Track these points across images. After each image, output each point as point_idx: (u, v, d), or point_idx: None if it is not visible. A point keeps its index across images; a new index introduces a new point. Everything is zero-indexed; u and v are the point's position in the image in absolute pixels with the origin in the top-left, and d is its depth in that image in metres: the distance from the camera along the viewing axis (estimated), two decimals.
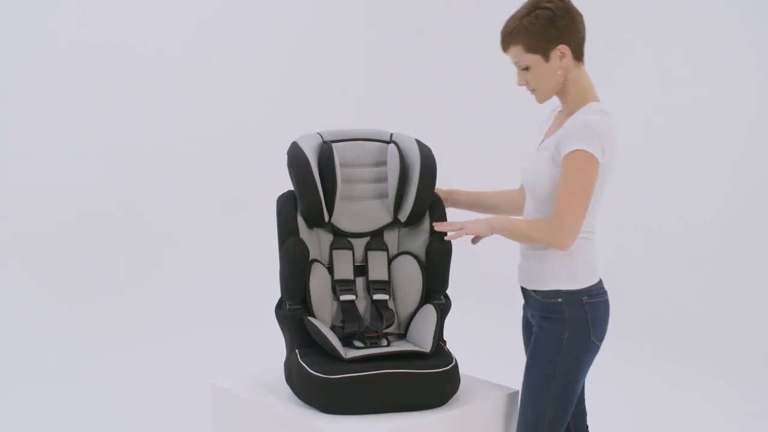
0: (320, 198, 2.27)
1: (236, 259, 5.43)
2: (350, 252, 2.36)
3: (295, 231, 2.25)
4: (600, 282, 2.11)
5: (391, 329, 2.34)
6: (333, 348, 2.11)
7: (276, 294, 2.30)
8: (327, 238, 2.37)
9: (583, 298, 2.05)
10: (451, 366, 2.13)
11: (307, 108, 5.82)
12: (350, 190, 2.37)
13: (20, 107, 4.97)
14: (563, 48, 2.00)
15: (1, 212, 4.89)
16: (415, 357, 2.14)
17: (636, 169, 4.96)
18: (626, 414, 3.65)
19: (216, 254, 5.46)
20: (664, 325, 4.96)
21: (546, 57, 2.01)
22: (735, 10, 5.06)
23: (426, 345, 2.18)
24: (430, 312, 2.26)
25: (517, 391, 2.28)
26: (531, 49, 2.00)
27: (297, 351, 2.17)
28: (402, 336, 2.35)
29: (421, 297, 2.33)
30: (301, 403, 2.13)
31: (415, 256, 2.34)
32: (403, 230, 2.41)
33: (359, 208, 2.38)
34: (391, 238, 2.41)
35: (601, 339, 2.10)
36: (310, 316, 2.21)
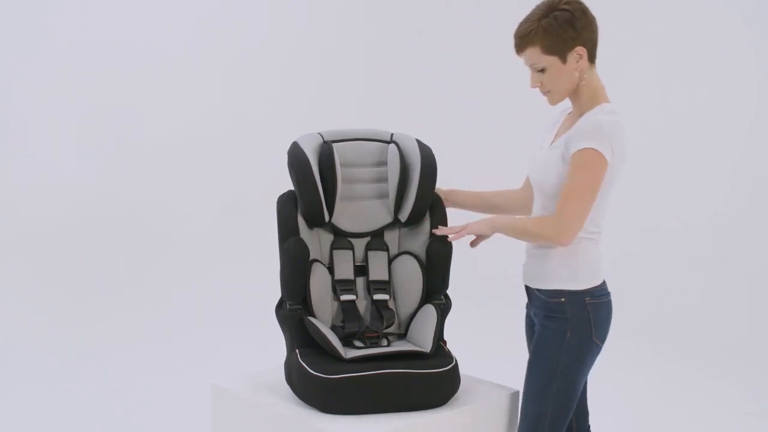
0: (320, 198, 2.27)
1: (236, 259, 5.43)
2: (350, 252, 2.36)
3: (296, 231, 2.25)
4: (603, 283, 2.12)
5: (391, 329, 2.34)
6: (333, 348, 2.11)
7: (276, 294, 2.31)
8: (327, 238, 2.37)
9: (586, 299, 2.06)
10: (451, 366, 2.13)
11: (307, 108, 5.82)
12: (350, 190, 2.37)
13: (20, 107, 4.97)
14: (580, 50, 2.01)
15: (1, 212, 4.89)
16: (415, 357, 2.14)
17: (635, 169, 4.96)
18: (626, 414, 3.65)
19: (216, 254, 5.46)
20: (663, 324, 4.96)
21: (563, 59, 2.01)
22: (735, 10, 5.07)
23: (426, 345, 2.18)
24: (430, 312, 2.27)
25: (518, 392, 2.29)
26: (549, 50, 2.00)
27: (297, 351, 2.17)
28: (402, 336, 2.35)
29: (422, 297, 2.33)
30: (301, 403, 2.13)
31: (416, 256, 2.34)
32: (404, 230, 2.41)
33: (359, 208, 2.38)
34: (391, 238, 2.41)
35: (603, 340, 2.11)
36: (311, 316, 2.21)
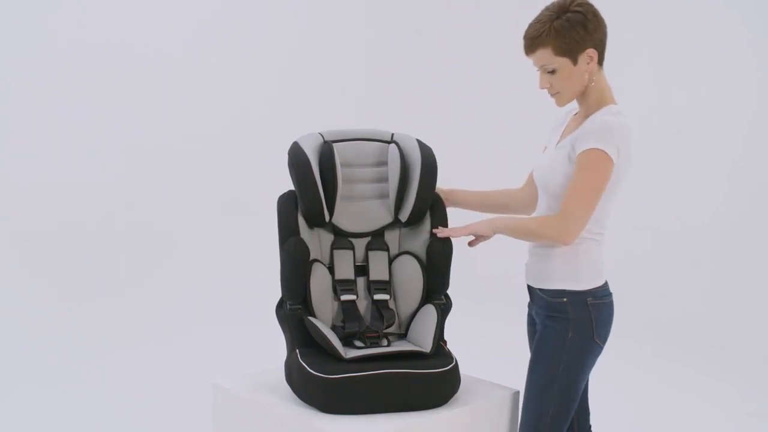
0: (321, 198, 2.27)
1: (236, 259, 5.44)
2: (351, 252, 2.36)
3: (296, 231, 2.25)
4: (605, 284, 2.12)
5: (391, 329, 2.34)
6: (333, 348, 2.11)
7: (276, 294, 2.31)
8: (328, 237, 2.37)
9: (588, 299, 2.07)
10: (451, 366, 2.13)
11: (307, 108, 5.82)
12: (351, 190, 2.38)
13: (20, 107, 4.97)
14: (591, 52, 2.01)
15: (1, 212, 4.89)
16: (415, 357, 2.14)
17: (636, 170, 4.96)
18: (626, 414, 3.65)
19: (216, 254, 5.46)
20: (663, 325, 4.96)
21: (574, 60, 2.01)
22: (734, 10, 5.07)
23: (426, 345, 2.18)
24: (430, 312, 2.27)
25: (518, 392, 2.29)
26: (560, 52, 2.00)
27: (297, 351, 2.17)
28: (402, 336, 2.35)
29: (422, 297, 2.33)
30: (302, 403, 2.13)
31: (416, 256, 2.34)
32: (404, 230, 2.41)
33: (360, 208, 2.39)
34: (391, 238, 2.41)
35: (604, 340, 2.11)
36: (311, 315, 2.22)
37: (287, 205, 2.29)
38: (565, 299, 2.07)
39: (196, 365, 4.13)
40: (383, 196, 2.40)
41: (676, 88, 5.29)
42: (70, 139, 5.13)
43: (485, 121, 6.03)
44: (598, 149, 1.96)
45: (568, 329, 2.06)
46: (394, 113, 5.62)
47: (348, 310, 2.30)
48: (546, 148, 2.24)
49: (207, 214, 5.55)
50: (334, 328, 2.27)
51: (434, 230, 2.31)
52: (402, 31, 6.28)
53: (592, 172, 1.97)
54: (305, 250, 2.20)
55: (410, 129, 2.59)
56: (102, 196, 5.19)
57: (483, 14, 6.06)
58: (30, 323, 4.54)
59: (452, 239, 2.31)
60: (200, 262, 5.38)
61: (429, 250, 2.31)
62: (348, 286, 2.33)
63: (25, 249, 4.91)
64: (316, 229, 2.35)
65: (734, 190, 5.12)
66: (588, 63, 2.02)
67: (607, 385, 3.43)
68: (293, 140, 2.36)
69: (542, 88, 2.09)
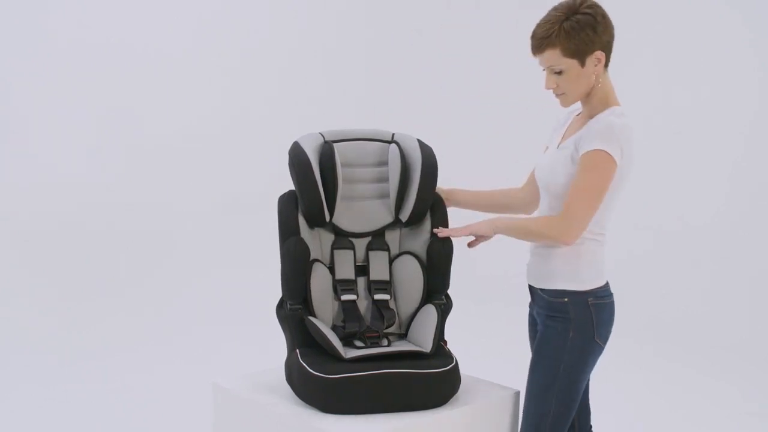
0: (321, 197, 2.27)
1: (236, 259, 5.43)
2: (351, 252, 2.36)
3: (296, 231, 2.25)
4: (606, 284, 2.12)
5: (392, 329, 2.34)
6: (333, 348, 2.11)
7: (277, 294, 2.31)
8: (328, 237, 2.37)
9: (589, 299, 2.07)
10: (451, 366, 2.13)
11: (307, 108, 5.82)
12: (351, 190, 2.37)
13: (20, 107, 4.97)
14: (599, 54, 2.01)
15: (1, 212, 4.89)
16: (415, 357, 2.14)
17: (638, 170, 4.97)
18: (626, 414, 3.65)
19: (216, 254, 5.46)
20: (664, 325, 4.96)
21: (582, 62, 2.01)
22: (735, 10, 5.07)
23: (426, 345, 2.18)
24: (430, 312, 2.27)
25: (518, 392, 2.29)
26: (569, 53, 1.99)
27: (298, 351, 2.17)
28: (403, 336, 2.35)
29: (422, 297, 2.33)
30: (302, 402, 2.13)
31: (417, 256, 2.34)
32: (405, 230, 2.41)
33: (360, 208, 2.38)
34: (392, 238, 2.41)
35: (605, 340, 2.11)
36: (311, 315, 2.21)
37: (288, 205, 2.28)
38: (566, 299, 2.07)
39: (196, 365, 4.13)
40: (384, 196, 2.40)
41: (678, 88, 5.29)
42: (70, 139, 5.13)
43: (485, 121, 6.03)
44: (602, 150, 1.96)
45: (569, 329, 2.06)
46: (394, 113, 5.62)
47: (348, 310, 2.29)
48: (547, 148, 2.24)
49: (207, 214, 5.55)
50: (334, 328, 2.27)
51: (434, 230, 2.31)
52: (402, 31, 6.28)
53: (595, 173, 1.97)
54: (305, 249, 2.20)
55: (410, 129, 2.59)
56: (102, 196, 5.19)
57: (483, 14, 6.06)
58: (30, 323, 4.54)
59: (452, 239, 2.31)
60: (200, 262, 5.38)
61: (429, 250, 2.31)
62: (348, 286, 2.32)
63: (25, 249, 4.91)
64: (316, 229, 2.35)
65: (735, 190, 5.12)
66: (595, 65, 2.02)
67: (608, 385, 3.43)
68: (293, 140, 2.36)
69: (548, 88, 2.09)
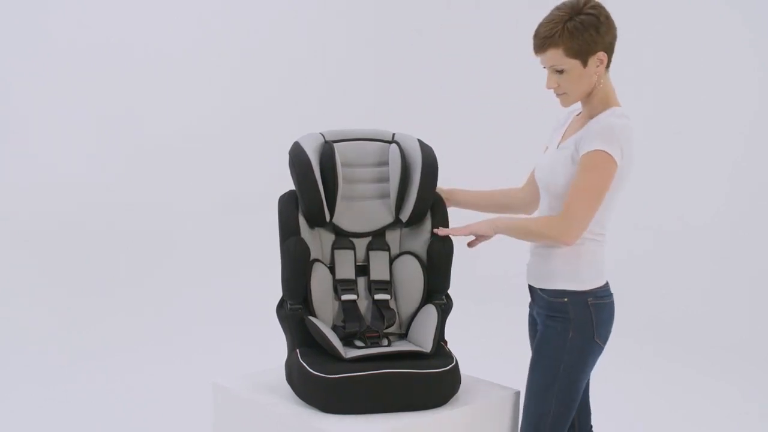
0: (321, 197, 2.27)
1: (237, 259, 5.43)
2: (352, 252, 2.36)
3: (297, 231, 2.25)
4: (606, 284, 2.13)
5: (392, 329, 2.34)
6: (333, 348, 2.11)
7: (277, 294, 2.31)
8: (329, 237, 2.37)
9: (589, 299, 2.07)
10: (451, 366, 2.13)
11: (307, 108, 5.82)
12: (352, 190, 2.37)
13: (20, 107, 4.97)
14: (602, 55, 2.01)
15: (1, 212, 4.89)
16: (415, 357, 2.14)
17: (638, 170, 4.97)
18: (626, 414, 3.65)
19: (216, 254, 5.46)
20: (664, 325, 4.96)
21: (585, 62, 2.00)
22: (735, 10, 5.07)
23: (426, 345, 2.18)
24: (431, 312, 2.27)
25: (518, 392, 2.29)
26: (572, 53, 1.99)
27: (298, 351, 2.17)
28: (403, 336, 2.35)
29: (423, 297, 2.33)
30: (302, 402, 2.13)
31: (417, 256, 2.34)
32: (405, 230, 2.41)
33: (361, 208, 2.38)
34: (392, 237, 2.41)
35: (605, 340, 2.11)
36: (311, 315, 2.21)
37: (288, 205, 2.28)
38: (565, 299, 2.07)
39: (196, 365, 4.13)
40: (384, 196, 2.40)
41: (678, 88, 5.29)
42: (70, 139, 5.13)
43: (485, 121, 6.03)
44: (602, 151, 1.96)
45: (569, 329, 2.06)
46: (394, 113, 5.62)
47: (348, 309, 2.29)
48: (547, 148, 2.24)
49: (207, 214, 5.55)
50: (334, 327, 2.27)
51: (434, 230, 2.31)
52: (402, 31, 6.27)
53: (595, 174, 1.97)
54: (306, 249, 2.20)
55: (410, 129, 2.59)
56: (102, 196, 5.19)
57: (483, 14, 6.06)
58: (30, 323, 4.54)
59: (452, 239, 2.31)
60: (200, 262, 5.38)
61: (430, 250, 2.31)
62: (349, 285, 2.32)
63: (25, 249, 4.91)
64: (317, 228, 2.35)
65: (735, 190, 5.12)
66: (597, 66, 2.01)
67: (609, 385, 3.43)
68: (294, 140, 2.36)
69: (549, 88, 2.08)
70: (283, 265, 2.22)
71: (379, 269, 2.36)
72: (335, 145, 2.34)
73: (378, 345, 2.23)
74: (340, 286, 2.32)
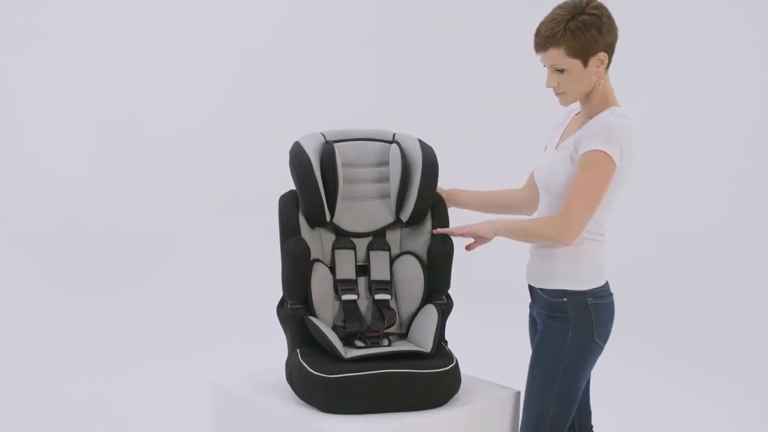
0: (321, 197, 2.27)
1: (237, 259, 5.43)
2: (352, 252, 2.36)
3: (297, 230, 2.25)
4: (606, 284, 2.13)
5: (392, 329, 2.34)
6: (333, 348, 2.11)
7: (277, 294, 2.31)
8: (329, 237, 2.37)
9: (589, 299, 2.07)
10: (451, 366, 2.13)
11: (307, 108, 5.82)
12: (352, 190, 2.37)
13: (20, 107, 4.96)
14: (603, 55, 2.01)
15: (1, 212, 4.89)
16: (415, 357, 2.14)
17: (638, 170, 4.97)
18: (626, 414, 3.65)
19: (216, 254, 5.46)
20: (664, 325, 4.96)
21: (585, 63, 2.00)
22: (735, 10, 5.07)
23: (427, 345, 2.18)
24: (431, 312, 2.27)
25: (518, 392, 2.29)
26: (573, 53, 1.99)
27: (298, 350, 2.17)
28: (403, 336, 2.35)
29: (423, 297, 2.33)
30: (302, 402, 2.13)
31: (417, 256, 2.34)
32: (405, 230, 2.41)
33: (361, 208, 2.38)
34: (393, 238, 2.41)
35: (604, 340, 2.11)
36: (312, 315, 2.21)
37: (288, 205, 2.29)
38: (565, 299, 2.07)
39: (196, 365, 4.13)
40: (384, 196, 2.40)
41: (678, 88, 5.29)
42: (70, 139, 5.12)
43: (485, 121, 6.03)
44: (602, 151, 1.96)
45: (569, 329, 2.06)
46: (394, 113, 5.61)
47: (349, 309, 2.30)
48: (546, 147, 2.24)
49: (207, 214, 5.55)
50: (334, 327, 2.27)
51: (434, 231, 2.31)
52: (402, 31, 6.27)
53: (594, 173, 1.97)
54: (306, 249, 2.20)
55: (410, 129, 2.59)
56: (102, 196, 5.19)
57: (483, 14, 6.06)
58: (30, 323, 4.54)
59: (453, 240, 2.31)
60: (200, 262, 5.38)
61: (430, 250, 2.31)
62: (349, 285, 2.33)
63: (25, 249, 4.91)
64: (317, 228, 2.35)
65: (735, 190, 5.12)
66: (598, 66, 2.02)
67: (609, 384, 3.43)
68: (294, 140, 2.36)
69: (549, 86, 2.08)
70: (284, 265, 2.22)
71: (379, 269, 2.36)
72: (336, 145, 2.34)
73: (378, 345, 2.23)
74: (341, 286, 2.32)
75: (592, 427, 2.32)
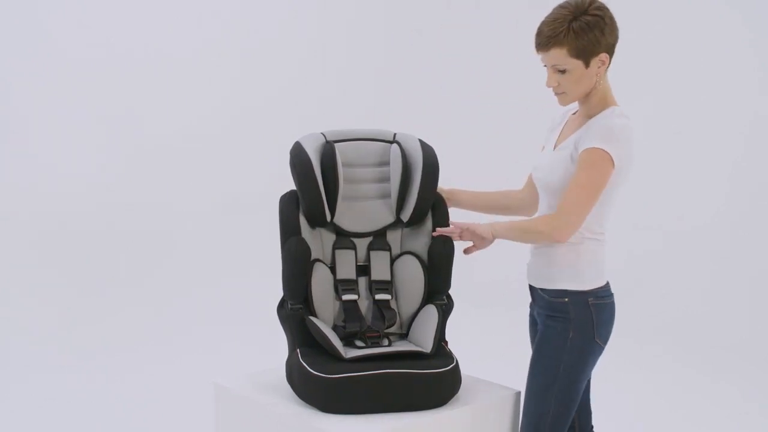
0: (322, 197, 2.27)
1: (237, 259, 5.43)
2: (353, 252, 2.36)
3: (297, 231, 2.25)
4: (607, 284, 2.13)
5: (392, 329, 2.34)
6: (333, 348, 2.11)
7: (277, 294, 2.31)
8: (330, 237, 2.37)
9: (589, 299, 2.07)
10: (451, 366, 2.13)
11: (307, 108, 5.82)
12: (353, 190, 2.37)
13: (20, 107, 4.96)
14: (604, 56, 2.01)
15: (1, 212, 4.89)
16: (415, 357, 2.14)
17: (638, 170, 4.97)
18: (626, 414, 3.65)
19: (216, 254, 5.46)
20: (664, 325, 4.96)
21: (587, 63, 2.00)
22: (735, 10, 5.07)
23: (427, 345, 2.18)
24: (431, 312, 2.27)
25: (519, 392, 2.29)
26: (575, 54, 1.99)
27: (298, 350, 2.17)
28: (404, 336, 2.35)
29: (423, 297, 2.33)
30: (302, 402, 2.13)
31: (418, 256, 2.34)
32: (406, 230, 2.41)
33: (362, 208, 2.39)
34: (393, 238, 2.41)
35: (605, 341, 2.11)
36: (312, 315, 2.21)
37: (289, 205, 2.29)
38: (566, 299, 2.07)
39: (196, 365, 4.13)
40: (385, 196, 2.40)
41: (678, 88, 5.29)
42: (70, 139, 5.12)
43: (485, 121, 6.03)
44: (601, 149, 1.97)
45: (569, 329, 2.06)
46: (394, 113, 5.61)
47: (349, 309, 2.30)
48: (543, 147, 2.24)
49: (207, 214, 5.55)
50: (335, 327, 2.27)
51: (434, 233, 2.30)
52: (402, 31, 6.27)
53: (592, 171, 1.97)
54: (306, 249, 2.20)
55: (410, 129, 2.59)
56: (102, 196, 5.19)
57: (483, 14, 6.05)
58: (30, 323, 4.54)
59: (453, 241, 2.30)
60: (200, 262, 5.38)
61: (430, 250, 2.31)
62: (349, 285, 2.33)
63: (24, 249, 4.91)
64: (317, 228, 2.35)
65: (735, 190, 5.12)
66: (599, 67, 2.02)
67: (608, 385, 3.43)
68: (294, 140, 2.36)
69: (549, 86, 2.08)
70: (284, 265, 2.22)
71: (379, 269, 2.36)
72: (336, 145, 2.34)
73: (378, 345, 2.23)
74: (341, 286, 2.32)
75: (592, 427, 2.32)
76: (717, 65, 5.14)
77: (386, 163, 2.41)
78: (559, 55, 2.00)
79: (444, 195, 2.41)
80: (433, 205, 2.35)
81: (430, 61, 6.22)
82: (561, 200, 2.01)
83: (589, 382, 2.26)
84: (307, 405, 2.11)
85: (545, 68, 2.07)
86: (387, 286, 2.35)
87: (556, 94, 2.09)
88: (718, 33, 5.13)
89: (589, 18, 1.97)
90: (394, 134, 2.44)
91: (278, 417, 2.11)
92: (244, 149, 5.70)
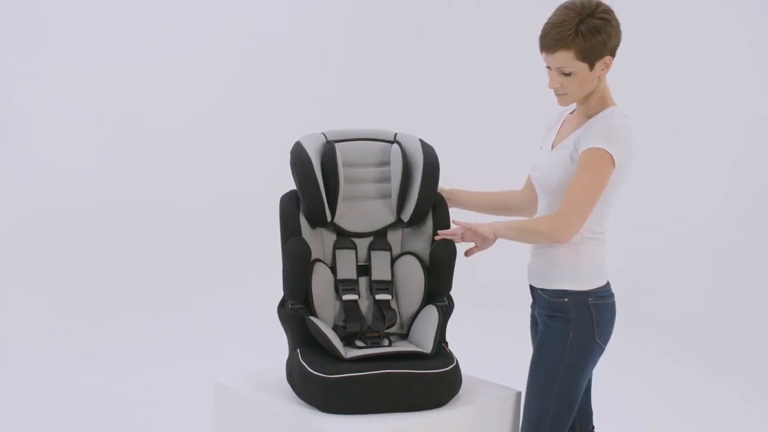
0: (322, 197, 2.27)
1: (237, 259, 5.43)
2: (353, 252, 2.36)
3: (298, 231, 2.25)
4: (607, 284, 2.13)
5: (393, 329, 2.34)
6: (333, 348, 2.11)
7: (278, 294, 2.31)
8: (330, 237, 2.37)
9: (590, 300, 2.07)
10: (451, 367, 2.13)
11: (307, 108, 5.82)
12: (353, 190, 2.37)
13: (20, 107, 4.96)
14: (608, 59, 2.01)
15: (1, 212, 4.89)
16: (415, 357, 2.14)
17: (638, 170, 4.96)
18: (626, 414, 3.65)
19: (216, 254, 5.46)
20: (664, 325, 4.96)
21: (592, 66, 2.00)
22: (735, 10, 5.07)
23: (427, 345, 2.18)
24: (432, 313, 2.27)
25: (519, 392, 2.29)
26: (582, 57, 1.98)
27: (298, 350, 2.17)
28: (404, 336, 2.35)
29: (424, 297, 2.33)
30: (302, 402, 2.13)
31: (418, 257, 2.34)
32: (407, 230, 2.41)
33: (362, 208, 2.38)
34: (394, 238, 2.41)
35: (605, 341, 2.11)
36: (312, 315, 2.21)
37: (289, 205, 2.29)
38: (566, 299, 2.07)
39: (196, 365, 4.13)
40: (385, 196, 2.40)
41: (678, 88, 5.29)
42: (70, 139, 5.12)
43: (485, 121, 6.03)
44: (602, 149, 1.97)
45: (569, 329, 2.06)
46: (394, 113, 5.61)
47: (349, 309, 2.30)
48: (541, 147, 2.24)
49: (207, 214, 5.54)
50: (335, 327, 2.27)
51: (435, 237, 2.30)
52: (402, 31, 6.27)
53: (593, 171, 1.98)
54: (306, 249, 2.20)
55: (410, 129, 2.59)
56: (102, 195, 5.19)
57: (483, 14, 6.05)
58: (30, 323, 4.54)
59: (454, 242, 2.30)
60: (200, 262, 5.37)
61: (432, 253, 2.31)
62: (350, 285, 2.33)
63: (24, 249, 4.91)
64: (318, 228, 2.35)
65: (735, 190, 5.12)
66: (602, 69, 2.02)
67: (608, 385, 3.43)
68: (295, 140, 2.36)
69: (552, 87, 2.08)
70: (284, 265, 2.22)
71: (380, 269, 2.36)
72: (337, 145, 2.34)
73: (379, 345, 2.23)
74: (342, 286, 2.32)
75: (593, 427, 2.32)
76: (717, 65, 5.14)
77: (387, 163, 2.41)
78: (566, 57, 1.99)
79: (444, 195, 2.41)
80: (433, 205, 2.35)
81: (430, 61, 6.22)
82: (562, 201, 2.00)
83: (589, 382, 2.26)
84: (307, 405, 2.11)
85: (547, 69, 2.07)
86: (387, 286, 2.35)
87: (557, 95, 2.09)
88: (718, 33, 5.13)
89: (597, 21, 1.96)
90: (395, 134, 2.44)
91: (278, 417, 2.11)
92: (244, 149, 5.70)
